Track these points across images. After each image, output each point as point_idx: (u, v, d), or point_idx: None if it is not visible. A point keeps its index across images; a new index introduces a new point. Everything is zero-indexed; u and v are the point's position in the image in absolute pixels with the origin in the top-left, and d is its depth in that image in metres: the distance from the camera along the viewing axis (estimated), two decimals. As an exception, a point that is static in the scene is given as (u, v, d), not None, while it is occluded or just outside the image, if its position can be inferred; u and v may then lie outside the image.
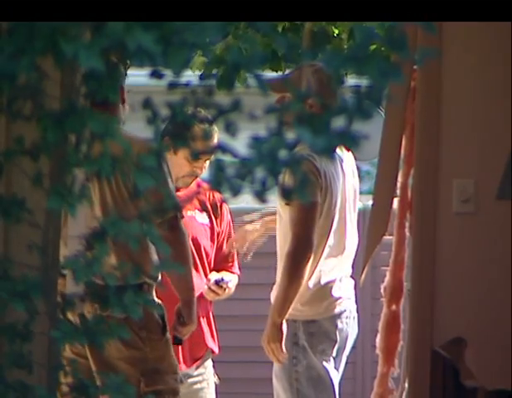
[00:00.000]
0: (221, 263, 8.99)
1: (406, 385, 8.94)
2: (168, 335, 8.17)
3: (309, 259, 8.69)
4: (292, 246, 8.78)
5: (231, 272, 9.14)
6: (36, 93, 4.96)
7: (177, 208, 7.86)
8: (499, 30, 6.52)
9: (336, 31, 11.48)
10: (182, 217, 7.89)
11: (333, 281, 8.83)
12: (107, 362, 7.98)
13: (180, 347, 8.63)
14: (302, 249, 8.71)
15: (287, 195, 4.87)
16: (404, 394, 8.98)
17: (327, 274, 8.85)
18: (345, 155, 8.79)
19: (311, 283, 8.77)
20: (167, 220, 7.81)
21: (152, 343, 8.08)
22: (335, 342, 8.84)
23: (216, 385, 8.90)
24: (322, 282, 8.82)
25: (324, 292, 8.82)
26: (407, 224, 9.02)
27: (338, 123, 4.86)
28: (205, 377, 8.89)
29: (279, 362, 8.88)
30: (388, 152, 9.06)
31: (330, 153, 4.84)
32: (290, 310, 8.75)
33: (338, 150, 5.04)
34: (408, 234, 9.01)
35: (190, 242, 8.65)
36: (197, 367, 8.85)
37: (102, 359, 7.97)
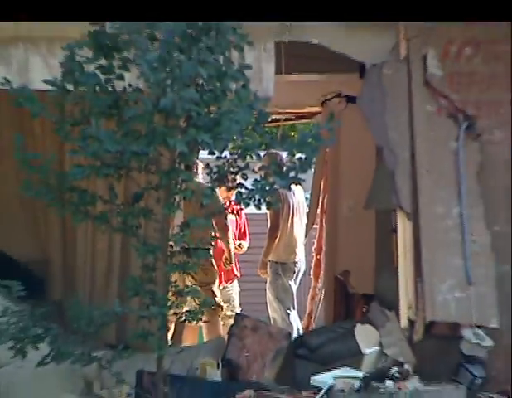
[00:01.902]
0: (240, 237, 8.89)
1: (323, 291, 8.83)
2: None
3: (277, 234, 8.59)
4: (269, 228, 8.64)
5: (244, 240, 8.99)
6: (157, 162, 4.85)
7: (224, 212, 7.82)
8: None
9: (293, 133, 11.17)
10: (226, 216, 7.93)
11: (295, 245, 8.68)
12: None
13: (222, 274, 8.54)
14: (273, 230, 8.60)
15: (268, 205, 4.78)
16: (322, 296, 8.87)
17: (293, 246, 8.71)
18: (298, 188, 8.64)
19: (285, 246, 8.66)
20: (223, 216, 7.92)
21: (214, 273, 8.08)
22: (294, 272, 8.68)
23: (239, 292, 8.85)
24: (291, 246, 8.67)
25: (291, 250, 8.67)
26: (324, 219, 8.93)
27: (292, 173, 4.80)
28: (233, 288, 8.79)
29: (266, 277, 8.72)
30: (315, 187, 9.00)
31: (288, 187, 4.77)
32: (275, 257, 8.64)
33: (293, 186, 4.90)
34: (324, 224, 8.91)
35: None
36: (230, 283, 8.74)
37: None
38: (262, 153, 4.96)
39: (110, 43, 4.77)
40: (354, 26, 5.75)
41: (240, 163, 4.94)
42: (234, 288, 8.78)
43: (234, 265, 8.69)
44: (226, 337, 6.43)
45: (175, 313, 5.28)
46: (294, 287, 8.73)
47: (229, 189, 5.11)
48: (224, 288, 8.60)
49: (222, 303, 8.36)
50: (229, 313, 8.36)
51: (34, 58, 5.75)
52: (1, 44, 5.75)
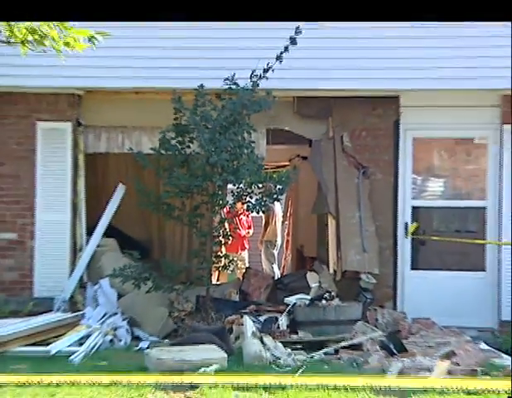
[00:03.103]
0: (248, 228, 8.60)
1: (290, 256, 8.73)
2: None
3: (268, 227, 8.37)
4: (264, 224, 8.41)
5: (250, 229, 8.70)
6: (207, 190, 4.80)
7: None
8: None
9: (275, 175, 10.76)
10: (235, 216, 6.92)
11: (276, 232, 8.47)
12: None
13: (239, 247, 8.28)
14: (266, 225, 8.37)
15: (263, 212, 4.73)
16: (290, 258, 8.76)
17: (276, 233, 8.51)
18: (278, 203, 8.44)
19: (272, 232, 8.41)
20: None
21: None
22: (275, 246, 8.48)
23: (248, 256, 8.69)
24: (274, 232, 8.43)
25: (275, 235, 8.42)
26: (291, 219, 8.81)
27: (275, 196, 4.78)
28: (245, 254, 8.55)
29: (261, 248, 8.41)
30: (286, 202, 8.81)
31: (273, 202, 4.73)
32: (268, 238, 8.38)
33: (276, 202, 4.84)
34: (291, 221, 8.81)
35: (242, 224, 8.43)
36: (243, 251, 8.49)
37: None
38: (260, 185, 4.98)
39: (184, 129, 4.82)
40: (307, 120, 5.74)
41: (249, 190, 4.89)
42: (245, 254, 8.62)
43: (245, 242, 8.59)
44: (241, 278, 6.42)
45: (215, 267, 5.25)
46: (276, 253, 8.59)
47: (243, 203, 5.07)
48: (240, 254, 8.41)
49: (238, 262, 8.27)
50: (242, 266, 8.27)
51: (143, 137, 5.77)
52: (127, 130, 5.78)
